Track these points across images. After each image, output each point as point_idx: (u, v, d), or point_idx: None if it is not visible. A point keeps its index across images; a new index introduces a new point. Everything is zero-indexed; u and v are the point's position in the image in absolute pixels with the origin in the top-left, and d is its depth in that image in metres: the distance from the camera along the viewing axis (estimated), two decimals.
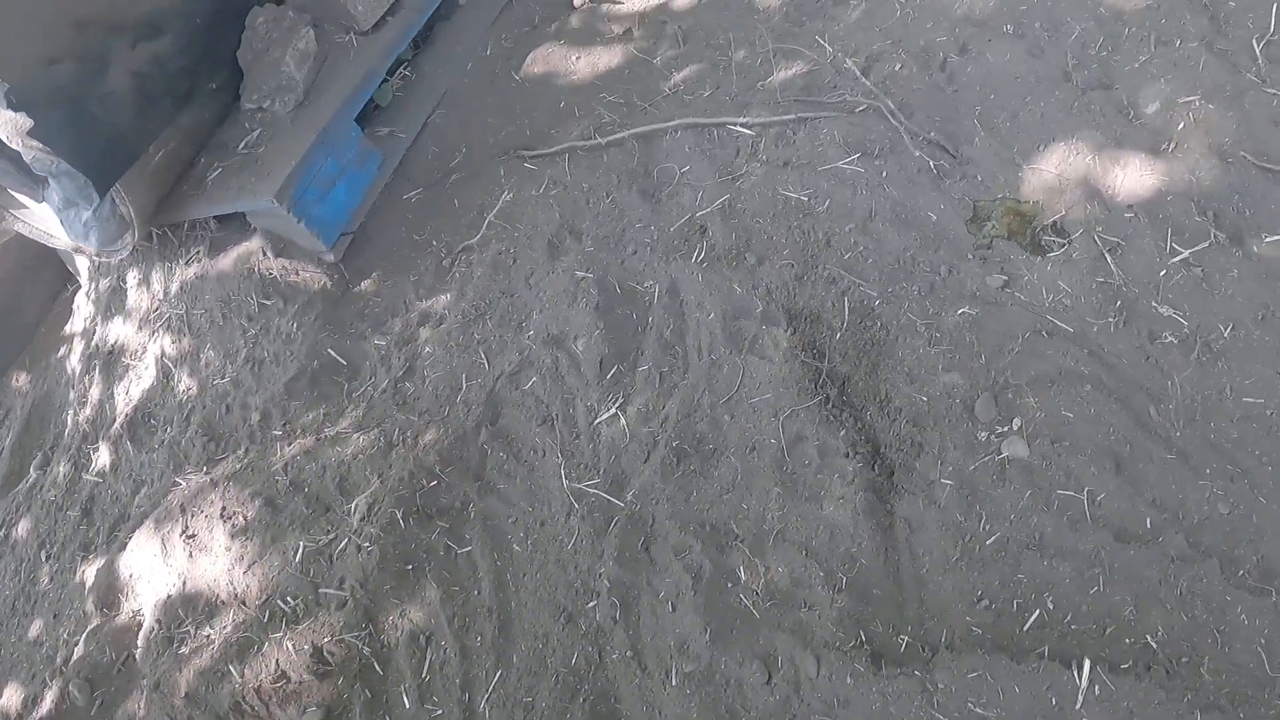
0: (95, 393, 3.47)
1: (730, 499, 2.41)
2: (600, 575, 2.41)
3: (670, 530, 2.41)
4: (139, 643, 2.63)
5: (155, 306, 3.27)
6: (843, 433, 2.38)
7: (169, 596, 2.64)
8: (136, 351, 3.29)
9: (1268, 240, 2.42)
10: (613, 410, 2.55)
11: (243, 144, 3.14)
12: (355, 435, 2.81)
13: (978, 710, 2.12)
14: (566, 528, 2.50)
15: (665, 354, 2.57)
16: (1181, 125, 2.56)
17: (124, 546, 2.87)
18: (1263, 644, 2.16)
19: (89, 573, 2.90)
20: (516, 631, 2.41)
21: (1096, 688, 2.09)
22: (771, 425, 2.43)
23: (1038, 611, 2.21)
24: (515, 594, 2.48)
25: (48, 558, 3.16)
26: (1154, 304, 2.40)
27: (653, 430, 2.51)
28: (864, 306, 2.49)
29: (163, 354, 3.19)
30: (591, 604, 2.40)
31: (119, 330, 3.52)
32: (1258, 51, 2.63)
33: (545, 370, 2.67)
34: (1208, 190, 2.48)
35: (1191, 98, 2.58)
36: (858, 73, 2.80)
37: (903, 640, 2.23)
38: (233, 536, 2.72)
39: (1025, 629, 2.21)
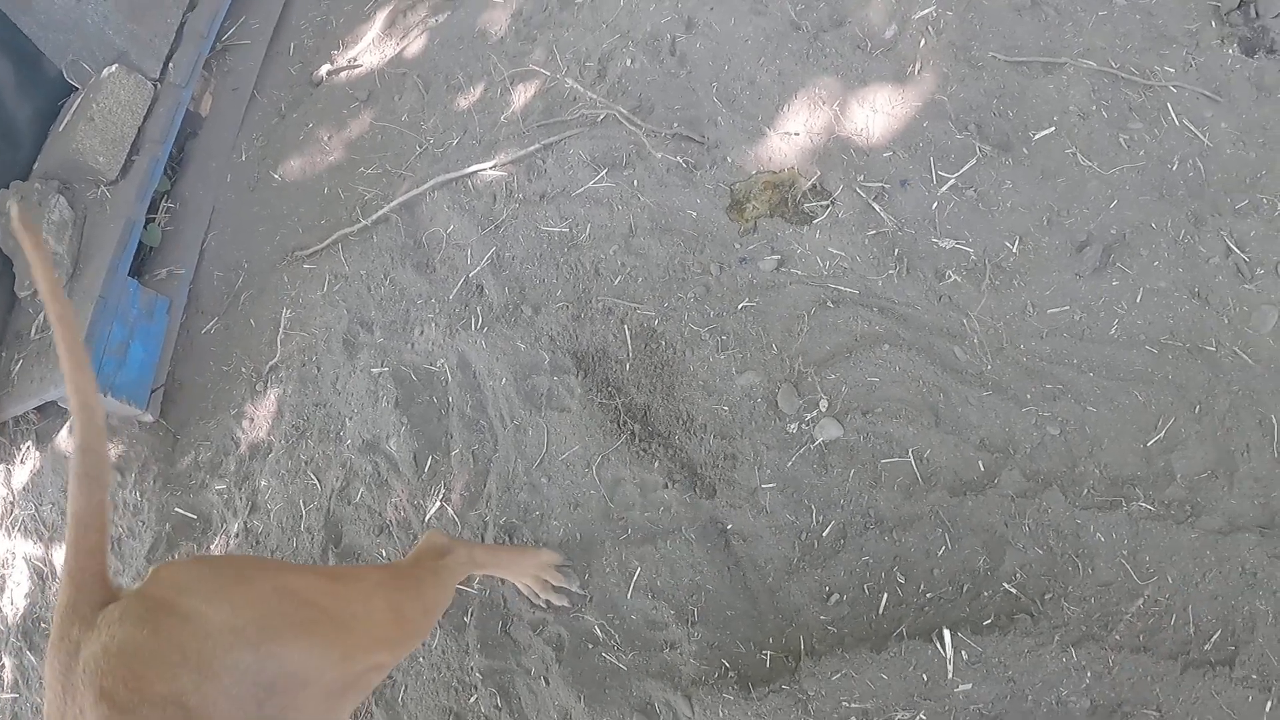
0: None
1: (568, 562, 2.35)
2: (472, 668, 2.37)
3: (522, 607, 2.35)
4: None
5: (8, 511, 3.22)
6: (656, 464, 2.30)
7: None
8: (6, 560, 3.25)
9: (1037, 137, 2.28)
10: (438, 503, 2.48)
11: (34, 330, 3.04)
12: None
13: (853, 706, 2.07)
14: None
15: (472, 432, 2.49)
16: (923, 42, 2.40)
17: None
18: (1125, 555, 2.09)
19: None
20: None
21: (963, 653, 2.03)
22: (587, 476, 2.35)
23: (887, 594, 2.14)
24: (404, 706, 2.44)
25: None
26: (934, 240, 2.28)
27: (480, 512, 2.44)
28: (646, 329, 2.38)
29: (29, 557, 3.15)
30: (473, 699, 2.36)
31: None
32: None
33: (369, 478, 2.60)
34: (964, 103, 2.34)
35: (927, 9, 2.43)
36: (581, 88, 2.64)
37: (766, 656, 2.17)
38: None
39: (881, 612, 2.15)
